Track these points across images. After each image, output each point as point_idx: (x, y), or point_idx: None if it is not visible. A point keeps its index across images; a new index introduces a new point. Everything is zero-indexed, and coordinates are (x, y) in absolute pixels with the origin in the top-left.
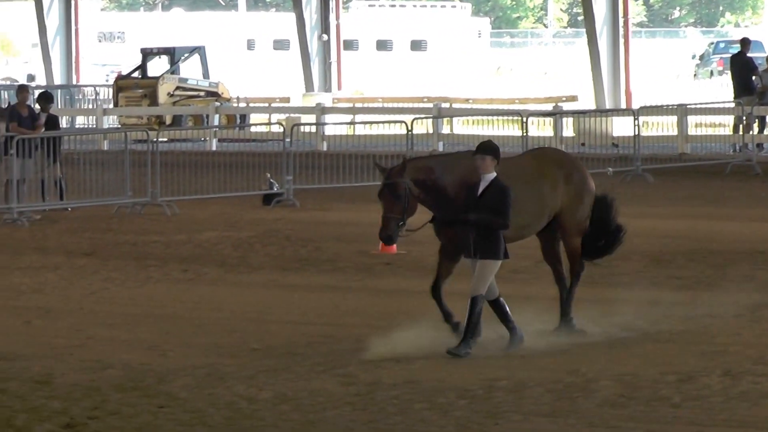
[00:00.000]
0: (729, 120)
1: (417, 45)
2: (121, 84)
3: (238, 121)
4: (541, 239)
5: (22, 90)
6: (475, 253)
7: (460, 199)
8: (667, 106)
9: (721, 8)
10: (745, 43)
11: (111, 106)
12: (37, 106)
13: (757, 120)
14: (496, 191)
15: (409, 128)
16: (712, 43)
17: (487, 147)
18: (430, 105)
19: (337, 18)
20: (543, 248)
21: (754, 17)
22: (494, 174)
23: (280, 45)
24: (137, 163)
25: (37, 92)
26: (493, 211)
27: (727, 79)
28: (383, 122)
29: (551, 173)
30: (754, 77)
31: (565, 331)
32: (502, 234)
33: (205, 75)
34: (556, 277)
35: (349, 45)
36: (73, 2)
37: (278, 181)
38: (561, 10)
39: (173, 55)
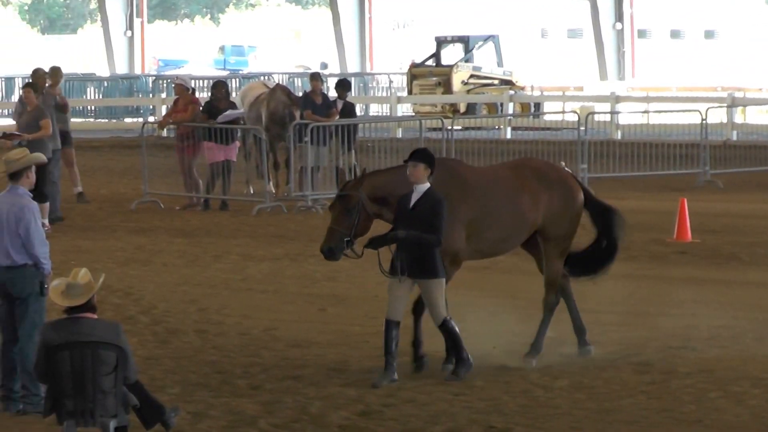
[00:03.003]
0: None
1: (710, 34)
2: (416, 72)
3: (533, 109)
4: (536, 257)
5: (315, 78)
6: (409, 273)
7: None
8: None
9: None
10: None
11: (405, 94)
12: (333, 94)
13: None
14: (429, 203)
15: (704, 117)
16: None
17: (421, 154)
18: (724, 94)
19: (631, 6)
20: (539, 263)
21: None
22: (428, 184)
23: (574, 33)
24: (432, 151)
25: (331, 80)
26: (425, 225)
27: None
28: (677, 111)
29: (530, 185)
30: None
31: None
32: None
33: (499, 63)
34: (562, 290)
35: (642, 34)
36: None
37: (573, 169)
38: None
39: (467, 43)
